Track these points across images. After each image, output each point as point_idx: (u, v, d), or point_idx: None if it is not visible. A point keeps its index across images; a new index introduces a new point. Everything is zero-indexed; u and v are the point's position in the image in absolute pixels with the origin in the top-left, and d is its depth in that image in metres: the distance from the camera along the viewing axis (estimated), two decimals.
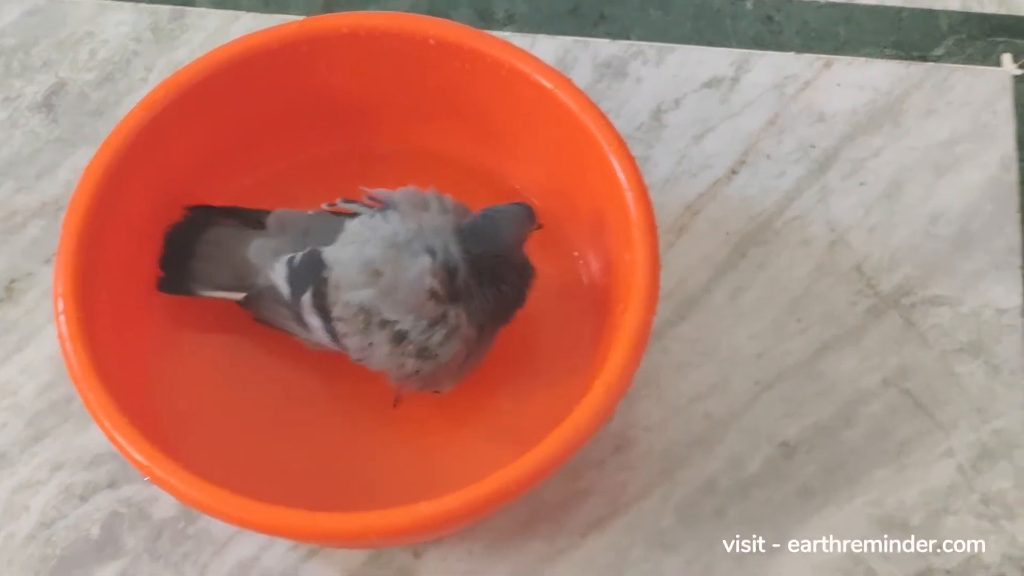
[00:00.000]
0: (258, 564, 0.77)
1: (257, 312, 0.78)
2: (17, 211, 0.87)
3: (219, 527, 0.77)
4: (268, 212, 0.79)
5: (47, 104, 0.90)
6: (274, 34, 0.79)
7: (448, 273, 0.73)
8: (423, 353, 0.73)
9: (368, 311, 0.73)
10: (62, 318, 0.72)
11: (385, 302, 0.73)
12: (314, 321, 0.75)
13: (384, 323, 0.73)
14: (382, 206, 0.75)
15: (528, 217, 0.74)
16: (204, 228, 0.79)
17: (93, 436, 0.79)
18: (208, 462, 0.72)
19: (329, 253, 0.75)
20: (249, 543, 0.77)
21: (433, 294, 0.72)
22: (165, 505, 0.78)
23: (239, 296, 0.78)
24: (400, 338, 0.73)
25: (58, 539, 0.78)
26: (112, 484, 0.79)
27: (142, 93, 0.86)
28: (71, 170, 0.88)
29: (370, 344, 0.74)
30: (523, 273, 0.75)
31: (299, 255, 0.76)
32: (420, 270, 0.73)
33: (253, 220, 0.79)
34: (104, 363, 0.71)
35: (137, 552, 0.77)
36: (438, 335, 0.73)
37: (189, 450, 0.73)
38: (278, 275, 0.76)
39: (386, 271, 0.73)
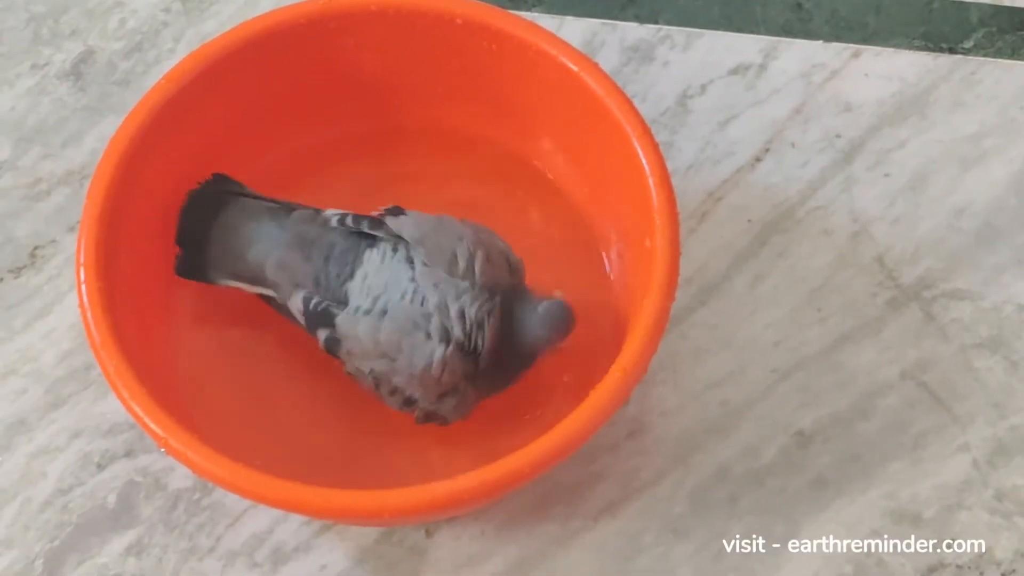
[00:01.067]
0: (271, 537, 0.77)
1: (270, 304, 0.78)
2: (42, 178, 0.87)
3: (234, 500, 0.78)
4: (285, 206, 0.77)
5: (75, 72, 0.91)
6: (303, 9, 0.79)
7: (463, 354, 0.72)
8: (431, 416, 0.74)
9: (378, 377, 0.73)
10: (83, 287, 0.72)
11: (396, 376, 0.73)
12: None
13: (395, 389, 0.74)
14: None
15: (567, 326, 0.72)
16: (219, 209, 0.77)
17: (112, 405, 0.79)
18: (225, 435, 0.72)
19: (343, 322, 0.73)
20: (263, 516, 0.78)
21: (442, 380, 0.72)
22: (181, 476, 0.78)
23: (256, 291, 0.77)
24: (410, 402, 0.74)
25: (75, 506, 0.78)
26: (129, 453, 0.79)
27: (170, 64, 0.87)
28: (97, 139, 0.88)
29: (382, 398, 0.75)
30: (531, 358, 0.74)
31: (313, 303, 0.74)
32: (434, 359, 0.72)
33: (266, 211, 0.77)
34: (124, 333, 0.72)
35: (152, 522, 0.78)
36: (448, 404, 0.74)
37: (206, 422, 0.74)
38: (295, 305, 0.75)
39: (400, 357, 0.72)
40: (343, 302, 0.74)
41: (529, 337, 0.72)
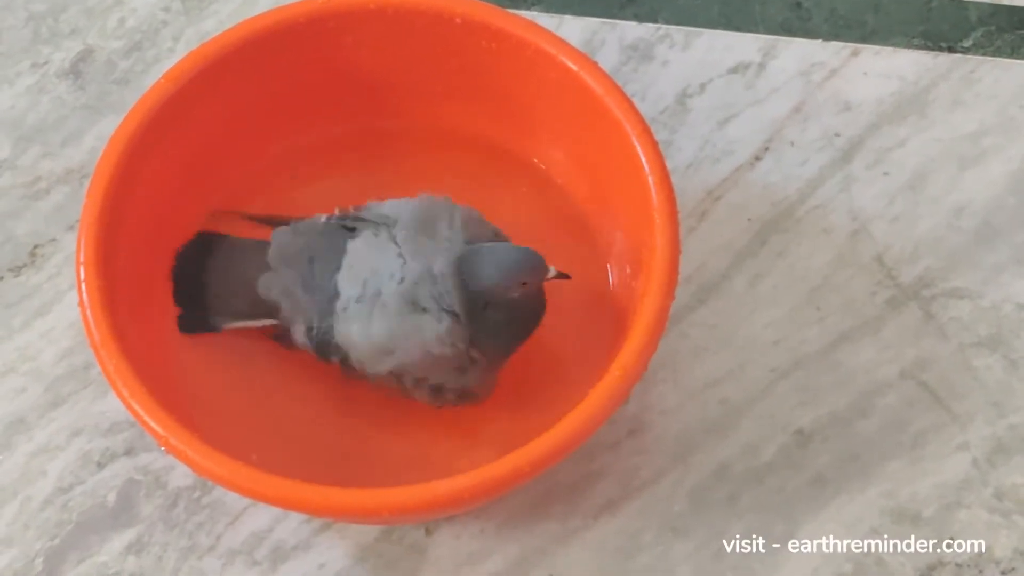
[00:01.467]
0: (271, 535, 0.77)
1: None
2: (42, 176, 0.87)
3: (233, 498, 0.78)
4: (267, 244, 0.77)
5: (75, 71, 0.91)
6: (301, 8, 0.79)
7: (455, 322, 0.72)
8: (464, 394, 0.75)
9: (398, 375, 0.74)
10: (83, 285, 0.72)
11: (409, 367, 0.73)
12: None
13: (418, 380, 0.74)
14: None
15: (525, 266, 0.72)
16: (209, 254, 0.78)
17: (111, 403, 0.80)
18: (224, 433, 0.72)
19: (339, 336, 0.74)
20: (263, 515, 0.78)
21: (446, 355, 0.72)
22: (181, 474, 0.79)
23: (262, 324, 0.78)
24: (438, 389, 0.74)
25: (75, 504, 0.78)
26: (129, 452, 0.79)
27: (169, 63, 0.87)
28: (97, 137, 0.88)
29: (411, 394, 0.75)
30: (526, 310, 0.74)
31: (315, 331, 0.75)
32: (428, 341, 0.72)
33: (254, 246, 0.78)
34: (123, 331, 0.72)
35: (152, 520, 0.78)
36: (473, 377, 0.74)
37: (205, 420, 0.74)
38: (300, 337, 0.76)
39: (397, 349, 0.73)
40: (335, 296, 0.74)
41: (485, 280, 0.72)
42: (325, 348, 0.75)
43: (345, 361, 0.75)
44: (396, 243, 0.74)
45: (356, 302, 0.73)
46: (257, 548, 0.77)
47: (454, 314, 0.72)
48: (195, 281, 0.78)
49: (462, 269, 0.72)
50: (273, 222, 0.78)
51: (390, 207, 0.75)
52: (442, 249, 0.73)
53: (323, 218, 0.77)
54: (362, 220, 0.75)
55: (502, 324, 0.73)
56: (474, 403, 0.76)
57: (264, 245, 0.77)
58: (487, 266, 0.72)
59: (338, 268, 0.74)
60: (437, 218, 0.74)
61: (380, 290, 0.73)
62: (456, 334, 0.72)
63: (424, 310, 0.72)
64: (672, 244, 0.72)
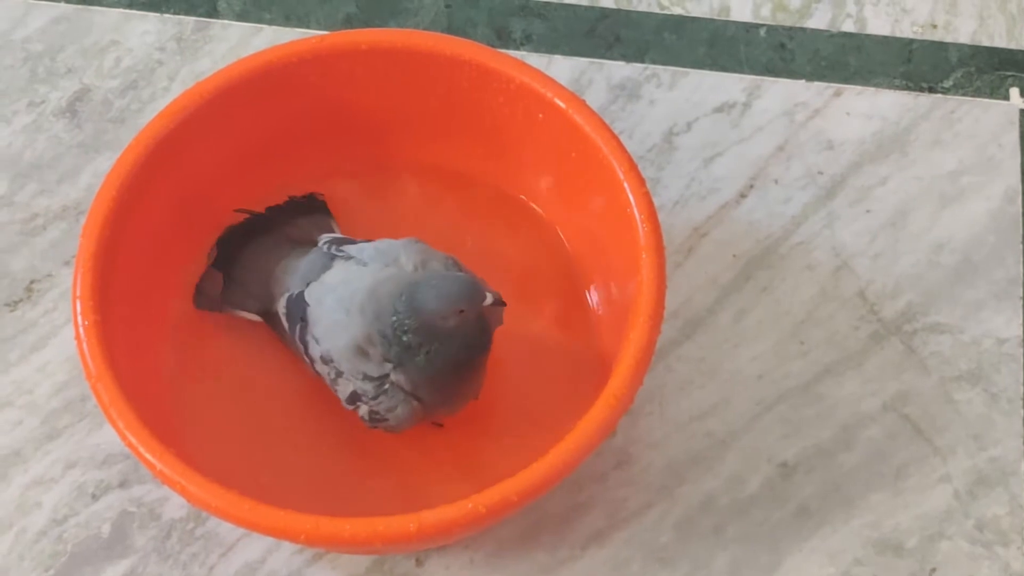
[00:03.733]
0: (264, 566, 0.78)
1: (276, 332, 0.81)
2: (38, 213, 0.88)
3: (227, 529, 0.79)
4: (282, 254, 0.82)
5: (71, 110, 0.92)
6: (295, 48, 0.81)
7: (382, 335, 0.74)
8: (376, 418, 0.76)
9: (327, 360, 0.76)
10: (80, 319, 0.73)
11: (334, 354, 0.75)
12: (306, 353, 0.78)
13: (339, 373, 0.75)
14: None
15: (462, 293, 0.72)
16: (241, 248, 0.82)
17: (106, 436, 0.81)
18: (219, 464, 0.73)
19: (310, 296, 0.77)
20: (256, 545, 0.79)
21: (360, 351, 0.74)
22: (175, 506, 0.79)
23: (258, 318, 0.81)
24: (355, 396, 0.76)
25: (69, 536, 0.79)
26: (123, 484, 0.80)
27: (165, 102, 0.87)
28: (92, 175, 0.89)
29: (336, 390, 0.77)
30: (464, 343, 0.74)
31: (294, 293, 0.78)
32: (355, 336, 0.74)
33: (282, 239, 0.82)
34: (119, 365, 0.73)
35: (146, 551, 0.79)
36: (389, 402, 0.75)
37: (199, 452, 0.75)
38: (280, 307, 0.79)
39: (326, 335, 0.75)
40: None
41: (424, 307, 0.72)
42: (294, 311, 0.77)
43: (303, 329, 0.77)
44: (358, 274, 0.76)
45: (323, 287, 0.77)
46: None
47: (384, 330, 0.73)
48: (223, 270, 0.82)
49: (404, 298, 0.73)
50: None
51: (370, 248, 0.77)
52: (393, 276, 0.75)
53: (322, 240, 0.80)
54: (343, 251, 0.78)
55: (436, 365, 0.74)
56: (386, 430, 0.77)
57: (279, 254, 0.81)
58: (425, 295, 0.73)
59: (317, 278, 0.77)
60: (399, 255, 0.76)
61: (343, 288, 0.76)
62: (377, 342, 0.74)
63: (347, 312, 0.74)
64: (659, 279, 0.74)
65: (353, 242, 0.79)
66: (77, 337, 0.73)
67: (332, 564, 0.78)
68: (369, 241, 0.78)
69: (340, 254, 0.78)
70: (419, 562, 0.78)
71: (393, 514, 0.69)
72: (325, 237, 0.80)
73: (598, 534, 0.79)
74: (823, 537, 0.79)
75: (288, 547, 0.79)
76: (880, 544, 0.79)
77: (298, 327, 0.77)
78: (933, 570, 0.78)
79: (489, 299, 0.72)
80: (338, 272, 0.77)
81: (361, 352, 0.74)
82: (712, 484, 0.80)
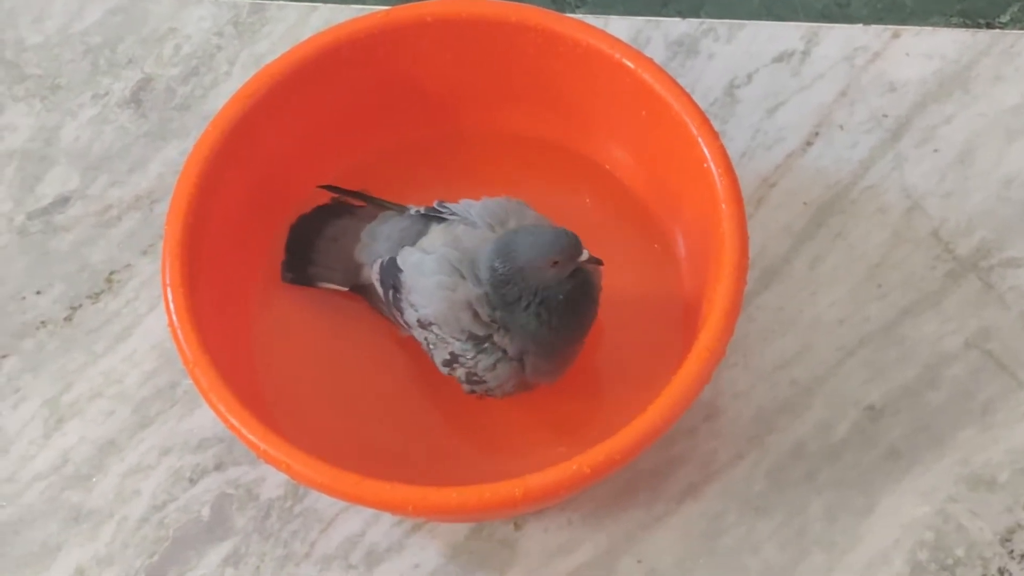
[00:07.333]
0: (364, 539, 0.79)
1: (368, 300, 0.81)
2: (112, 205, 0.89)
3: (325, 505, 0.80)
4: (384, 204, 0.82)
5: (135, 100, 0.93)
6: (361, 24, 0.81)
7: (488, 296, 0.74)
8: (473, 377, 0.76)
9: (428, 325, 0.76)
10: (172, 307, 0.74)
11: (432, 318, 0.75)
12: (401, 318, 0.78)
13: (440, 340, 0.76)
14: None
15: (556, 244, 0.73)
16: (324, 223, 0.83)
17: (198, 420, 0.82)
18: (314, 441, 0.73)
19: (403, 261, 0.77)
20: (355, 519, 0.80)
21: (468, 310, 0.74)
22: (271, 485, 0.80)
23: (344, 288, 0.82)
24: (452, 360, 0.76)
25: (170, 521, 0.80)
26: (219, 466, 0.81)
27: (227, 86, 0.89)
28: (162, 163, 0.90)
29: (432, 355, 0.77)
30: (571, 307, 0.75)
31: (385, 259, 0.78)
32: (462, 291, 0.74)
33: (368, 214, 0.82)
34: (212, 347, 0.74)
35: (247, 532, 0.80)
36: (489, 362, 0.75)
37: (293, 428, 0.75)
38: (374, 274, 0.79)
39: (428, 299, 0.75)
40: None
41: (520, 257, 0.73)
42: (386, 278, 0.78)
43: (396, 293, 0.77)
44: (462, 235, 0.76)
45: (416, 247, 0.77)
46: (351, 552, 0.79)
47: (486, 288, 0.74)
48: (306, 245, 0.83)
49: (499, 249, 0.74)
50: (374, 202, 0.83)
51: (460, 206, 0.78)
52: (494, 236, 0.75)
53: (412, 209, 0.80)
54: (438, 214, 0.78)
55: (543, 325, 0.74)
56: (486, 394, 0.77)
57: (362, 225, 0.81)
58: (521, 244, 0.73)
59: (414, 243, 0.78)
60: (507, 215, 0.77)
61: (449, 249, 0.76)
62: (482, 301, 0.74)
63: (462, 276, 0.74)
64: (741, 229, 0.75)
65: (437, 213, 0.79)
66: (171, 324, 0.74)
67: (432, 533, 0.79)
68: (471, 201, 0.78)
69: (442, 212, 0.77)
70: (517, 526, 0.79)
71: (487, 481, 0.69)
72: (413, 208, 0.80)
73: (692, 488, 0.80)
74: (915, 477, 0.79)
75: (387, 519, 0.79)
76: (972, 480, 0.79)
77: (390, 293, 0.77)
78: None
79: (585, 255, 0.73)
80: (438, 234, 0.77)
81: (468, 310, 0.74)
82: (801, 431, 0.81)
